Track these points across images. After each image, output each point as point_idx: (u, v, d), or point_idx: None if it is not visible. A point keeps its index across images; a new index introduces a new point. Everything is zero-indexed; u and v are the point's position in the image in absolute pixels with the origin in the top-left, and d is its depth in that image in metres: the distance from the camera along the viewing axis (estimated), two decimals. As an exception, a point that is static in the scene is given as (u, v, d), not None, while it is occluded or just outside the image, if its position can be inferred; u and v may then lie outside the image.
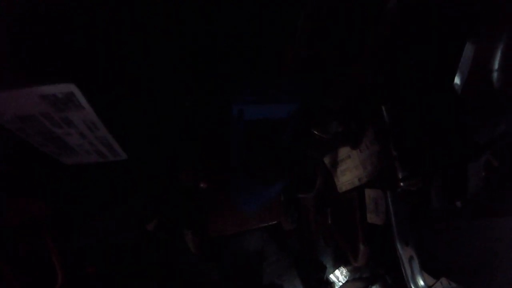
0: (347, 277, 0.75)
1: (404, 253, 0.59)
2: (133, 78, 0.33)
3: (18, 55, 0.26)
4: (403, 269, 0.59)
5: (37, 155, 0.38)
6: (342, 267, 0.75)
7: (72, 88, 0.27)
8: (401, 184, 0.50)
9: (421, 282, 0.59)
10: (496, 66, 0.36)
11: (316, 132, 0.47)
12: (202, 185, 0.56)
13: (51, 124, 0.32)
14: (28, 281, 0.50)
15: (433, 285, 0.69)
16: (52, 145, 0.36)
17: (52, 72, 0.26)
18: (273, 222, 0.60)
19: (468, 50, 0.36)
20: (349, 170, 0.64)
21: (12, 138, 0.33)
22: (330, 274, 0.75)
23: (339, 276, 0.75)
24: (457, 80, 0.37)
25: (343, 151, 0.64)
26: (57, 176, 0.47)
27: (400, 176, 0.50)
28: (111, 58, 0.30)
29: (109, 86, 0.32)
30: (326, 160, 0.68)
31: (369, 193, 0.61)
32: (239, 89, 0.41)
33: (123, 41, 0.30)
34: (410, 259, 0.59)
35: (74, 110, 0.30)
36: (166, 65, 0.36)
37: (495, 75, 0.36)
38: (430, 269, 0.65)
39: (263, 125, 0.44)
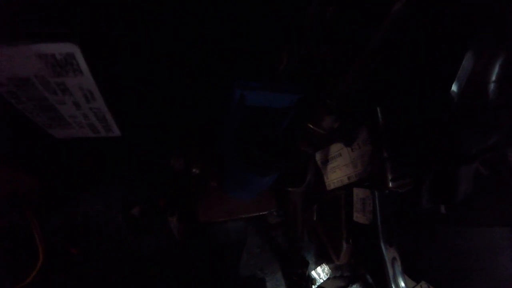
0: (329, 275, 0.76)
1: (388, 254, 0.59)
2: (138, 47, 0.32)
3: (16, 10, 0.24)
4: (386, 269, 0.59)
5: (26, 125, 0.37)
6: (324, 264, 0.76)
7: (73, 48, 0.26)
8: (390, 185, 0.51)
9: (402, 284, 0.60)
10: (493, 78, 0.36)
11: (310, 126, 0.47)
12: (194, 170, 0.55)
13: (46, 90, 0.30)
14: (7, 258, 0.49)
15: (413, 288, 0.70)
16: (44, 115, 0.35)
17: (53, 31, 0.25)
18: (264, 212, 0.60)
19: (468, 60, 0.37)
20: (339, 168, 0.64)
21: (2, 105, 0.32)
22: (312, 270, 0.75)
23: (320, 273, 0.75)
24: (454, 88, 0.38)
25: (335, 149, 0.64)
26: (45, 150, 0.45)
27: (389, 177, 0.51)
28: (117, 22, 0.29)
29: (111, 52, 0.31)
30: (317, 157, 0.68)
31: (357, 192, 0.61)
32: (241, 76, 0.41)
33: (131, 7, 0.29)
34: (393, 260, 0.60)
35: (71, 76, 0.29)
36: (173, 41, 0.36)
37: (491, 86, 0.37)
38: (410, 272, 0.66)
39: (262, 113, 0.44)
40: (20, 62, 0.26)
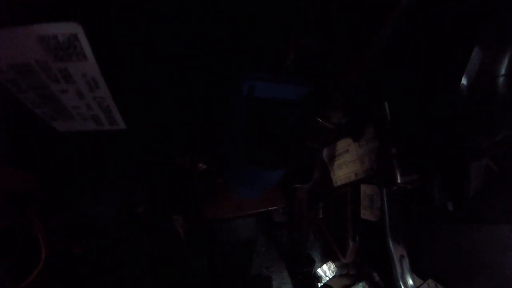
0: (335, 273, 0.75)
1: (396, 251, 0.59)
2: (145, 31, 0.31)
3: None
4: (393, 267, 0.58)
5: (28, 122, 0.35)
6: (330, 262, 0.76)
7: (76, 28, 0.25)
8: (398, 182, 0.50)
9: (410, 282, 0.59)
10: (502, 71, 0.36)
11: (319, 120, 0.47)
12: (200, 165, 0.54)
13: (48, 77, 0.29)
14: (9, 258, 0.48)
15: (420, 286, 0.69)
16: (46, 106, 0.33)
17: (55, 10, 0.24)
18: (273, 208, 0.59)
19: (476, 54, 0.36)
20: (346, 165, 0.64)
21: (2, 95, 0.31)
22: (318, 268, 0.74)
23: (326, 271, 0.75)
24: (463, 81, 0.37)
25: (342, 145, 0.63)
26: (47, 149, 0.44)
27: (397, 173, 0.50)
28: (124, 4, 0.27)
29: (117, 35, 0.29)
30: (324, 153, 0.67)
31: (364, 189, 0.61)
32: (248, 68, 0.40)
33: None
34: (401, 257, 0.59)
35: (75, 60, 0.27)
36: (182, 30, 0.34)
37: (500, 80, 0.36)
38: (417, 270, 0.65)
39: (270, 106, 0.43)
40: (20, 46, 0.25)
